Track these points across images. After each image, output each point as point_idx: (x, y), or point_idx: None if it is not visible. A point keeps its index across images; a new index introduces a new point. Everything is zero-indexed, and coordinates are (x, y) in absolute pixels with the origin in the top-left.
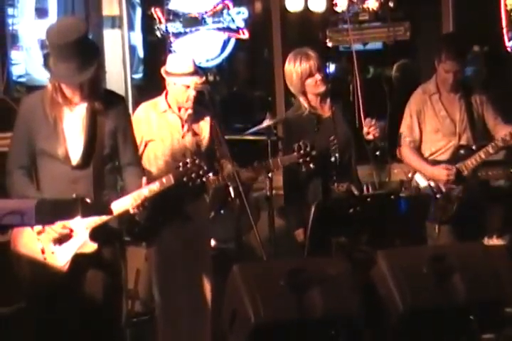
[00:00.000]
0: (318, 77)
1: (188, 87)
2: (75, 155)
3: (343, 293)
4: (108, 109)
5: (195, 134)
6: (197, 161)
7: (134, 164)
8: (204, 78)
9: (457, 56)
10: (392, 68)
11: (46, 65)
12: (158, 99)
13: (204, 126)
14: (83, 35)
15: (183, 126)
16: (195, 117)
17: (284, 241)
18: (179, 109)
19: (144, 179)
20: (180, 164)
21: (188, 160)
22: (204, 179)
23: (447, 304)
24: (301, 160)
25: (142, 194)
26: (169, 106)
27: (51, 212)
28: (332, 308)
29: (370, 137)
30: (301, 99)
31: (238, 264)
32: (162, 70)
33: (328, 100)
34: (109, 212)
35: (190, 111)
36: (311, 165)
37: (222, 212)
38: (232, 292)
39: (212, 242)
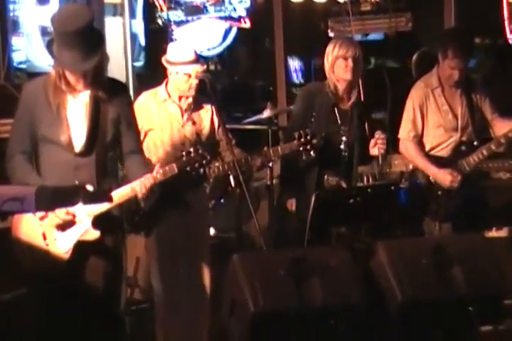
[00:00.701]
0: (350, 63)
1: (190, 75)
2: (78, 143)
3: (343, 282)
4: (111, 97)
5: (195, 123)
6: (200, 151)
7: (137, 152)
8: (205, 66)
9: (465, 54)
10: (393, 59)
11: (50, 51)
12: (158, 88)
13: (204, 116)
14: (89, 22)
15: (182, 116)
16: (196, 106)
17: (285, 231)
18: (179, 98)
19: (158, 166)
20: (184, 153)
21: (191, 150)
22: (207, 168)
23: (446, 295)
24: (301, 148)
25: (148, 182)
26: (169, 96)
27: (51, 198)
28: (332, 298)
29: (375, 152)
30: (331, 76)
31: (238, 253)
32: (163, 59)
33: (354, 95)
34: (110, 199)
35: (190, 100)
36: (312, 153)
37: (222, 201)
38: (232, 281)
39: (212, 231)
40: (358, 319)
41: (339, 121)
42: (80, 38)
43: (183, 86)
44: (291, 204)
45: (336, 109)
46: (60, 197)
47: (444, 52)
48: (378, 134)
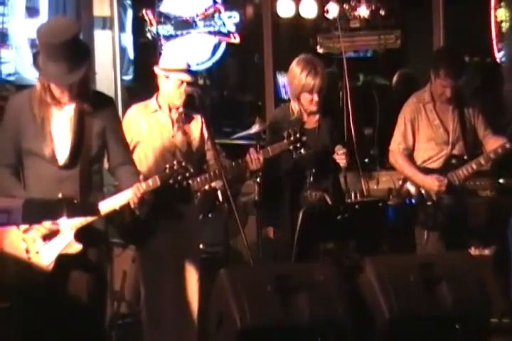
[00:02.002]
0: (315, 98)
1: (182, 82)
2: (62, 156)
3: (330, 298)
4: (97, 109)
5: (185, 134)
6: (183, 163)
7: (128, 163)
8: (194, 78)
9: (457, 74)
10: (382, 76)
11: (35, 64)
12: (148, 101)
13: (195, 127)
14: (75, 35)
15: (173, 126)
16: (186, 118)
17: (272, 246)
18: (170, 109)
19: (141, 176)
20: (167, 166)
21: (174, 162)
22: (190, 181)
23: (433, 313)
24: (291, 147)
25: (141, 188)
26: (160, 107)
27: (38, 211)
28: (319, 314)
29: (341, 164)
30: (293, 104)
31: (225, 268)
32: (156, 68)
33: (317, 116)
34: (97, 212)
35: (180, 109)
36: (302, 151)
37: (210, 215)
38: (219, 296)
39: (200, 245)
40: (345, 335)
41: (306, 140)
42: (66, 50)
43: (174, 93)
44: (270, 232)
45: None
46: (47, 209)
47: (436, 72)
48: (338, 149)
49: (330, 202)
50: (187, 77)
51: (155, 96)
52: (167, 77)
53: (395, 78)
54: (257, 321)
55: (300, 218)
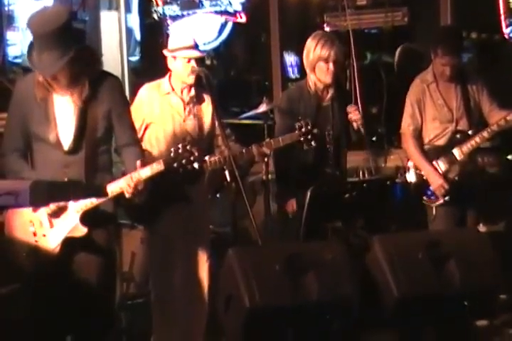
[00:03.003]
0: (331, 67)
1: (189, 60)
2: (67, 141)
3: (339, 277)
4: (102, 91)
5: (196, 117)
6: (188, 147)
7: (133, 144)
8: (202, 54)
9: (454, 51)
10: (389, 53)
11: (28, 53)
12: (161, 80)
13: (206, 109)
14: (61, 25)
15: (185, 109)
16: (197, 100)
17: (280, 226)
18: (182, 90)
19: (139, 162)
20: (172, 150)
21: (179, 146)
22: (196, 165)
23: (442, 290)
24: (302, 138)
25: (135, 177)
26: (172, 89)
27: (46, 193)
28: (327, 293)
29: (354, 124)
30: (311, 77)
31: (234, 248)
32: (164, 51)
33: (331, 91)
34: (105, 194)
35: (192, 92)
36: (313, 143)
37: (218, 195)
38: (228, 276)
39: (210, 226)
40: (354, 314)
41: (323, 120)
42: (52, 40)
43: (183, 71)
44: (292, 205)
45: (319, 111)
46: (55, 191)
47: (434, 50)
48: (349, 107)
49: (339, 177)
50: (194, 53)
51: (167, 77)
52: (174, 57)
53: (396, 54)
54: (266, 300)
55: (308, 197)
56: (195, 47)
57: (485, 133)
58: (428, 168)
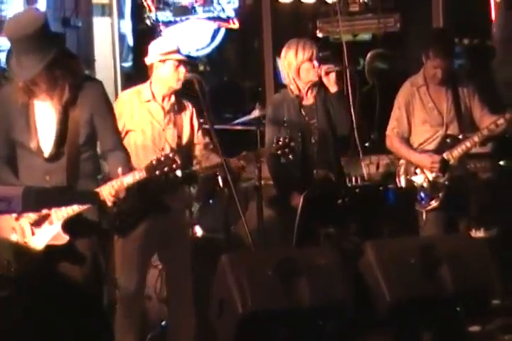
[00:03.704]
0: (315, 63)
1: (178, 65)
2: (47, 147)
3: (332, 282)
4: (84, 96)
5: (176, 126)
6: (171, 155)
7: (117, 149)
8: (188, 58)
9: (446, 53)
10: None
11: (8, 60)
12: (142, 86)
13: (185, 119)
14: (37, 29)
15: (165, 118)
16: (178, 109)
17: (273, 231)
18: (163, 98)
19: (120, 169)
20: (155, 157)
21: (161, 154)
22: (178, 173)
23: (434, 295)
24: (279, 152)
25: (116, 185)
26: (153, 96)
27: (38, 199)
28: (320, 298)
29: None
30: (291, 87)
31: (226, 254)
32: (149, 57)
33: (315, 90)
34: (99, 200)
35: (172, 100)
36: (290, 157)
37: (210, 201)
38: (220, 282)
39: (201, 232)
40: (346, 319)
41: (306, 117)
42: (28, 45)
43: (172, 77)
44: (297, 198)
45: (301, 109)
46: (47, 198)
47: (426, 53)
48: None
49: (333, 179)
50: (181, 57)
51: (148, 84)
52: (163, 61)
53: (367, 59)
54: (259, 306)
55: (301, 202)
56: (179, 51)
57: (475, 138)
58: (416, 154)
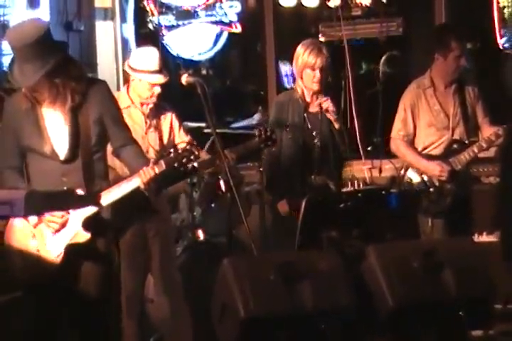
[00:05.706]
0: (317, 74)
1: (154, 85)
2: (62, 150)
3: (334, 287)
4: (90, 97)
5: (157, 129)
6: (188, 147)
7: (129, 143)
8: (168, 78)
9: (464, 39)
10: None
11: (10, 68)
12: (119, 93)
13: (165, 121)
14: (39, 37)
15: (146, 122)
16: (157, 112)
17: (275, 235)
18: (141, 104)
19: (152, 160)
20: (171, 150)
21: (178, 146)
22: (195, 164)
23: (437, 299)
24: (262, 145)
25: (148, 173)
26: (132, 102)
27: (40, 203)
28: (322, 302)
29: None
30: (299, 82)
31: (228, 258)
32: (125, 65)
33: (320, 97)
34: (97, 202)
35: (151, 105)
36: (273, 149)
37: (213, 205)
38: (222, 285)
39: (203, 235)
40: (349, 323)
41: (309, 125)
42: (29, 53)
43: (145, 94)
44: (283, 206)
45: (305, 115)
46: (50, 201)
47: (445, 46)
48: (320, 98)
49: (333, 188)
50: (160, 78)
51: (125, 89)
52: (140, 80)
53: (382, 61)
54: (261, 310)
55: (303, 206)
56: (160, 71)
57: (483, 143)
58: (423, 161)
